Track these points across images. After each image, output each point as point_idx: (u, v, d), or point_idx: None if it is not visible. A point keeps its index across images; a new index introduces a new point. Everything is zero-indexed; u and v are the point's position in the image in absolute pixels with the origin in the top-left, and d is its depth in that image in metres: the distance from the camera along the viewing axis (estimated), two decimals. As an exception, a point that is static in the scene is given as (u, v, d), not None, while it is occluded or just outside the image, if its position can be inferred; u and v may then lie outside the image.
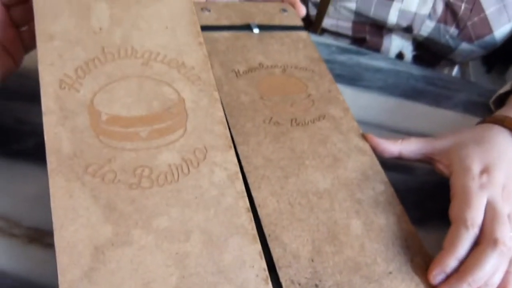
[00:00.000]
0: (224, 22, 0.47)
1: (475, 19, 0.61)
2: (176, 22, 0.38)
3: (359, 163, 0.39)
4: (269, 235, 0.33)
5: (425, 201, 0.43)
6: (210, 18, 0.47)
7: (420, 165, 0.46)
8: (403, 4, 0.63)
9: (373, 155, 0.40)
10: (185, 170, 0.32)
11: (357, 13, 0.66)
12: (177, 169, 0.32)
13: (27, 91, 0.45)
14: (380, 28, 0.68)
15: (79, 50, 0.34)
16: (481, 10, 0.60)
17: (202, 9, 0.47)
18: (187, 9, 0.39)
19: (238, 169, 0.33)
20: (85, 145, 0.31)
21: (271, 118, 0.40)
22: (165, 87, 0.35)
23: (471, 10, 0.60)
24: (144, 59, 0.35)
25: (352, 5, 0.65)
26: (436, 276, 0.32)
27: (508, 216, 0.35)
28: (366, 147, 0.40)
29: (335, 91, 0.44)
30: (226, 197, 0.32)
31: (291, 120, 0.40)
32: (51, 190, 0.29)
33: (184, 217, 0.30)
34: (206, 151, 0.33)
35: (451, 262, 0.32)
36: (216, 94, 0.36)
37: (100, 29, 0.35)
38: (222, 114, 0.35)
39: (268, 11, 0.50)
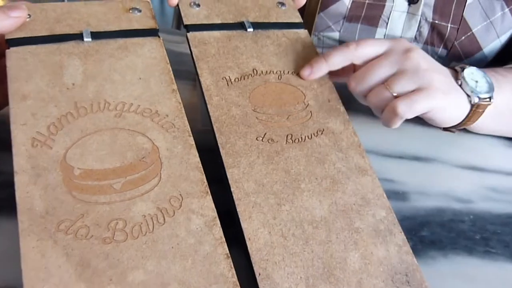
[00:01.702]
0: (215, 19, 0.45)
1: (463, 38, 0.62)
2: (149, 72, 0.39)
3: (359, 185, 0.37)
4: (259, 274, 0.31)
5: (420, 229, 0.42)
6: (200, 15, 0.44)
7: (413, 190, 0.45)
8: (388, 29, 0.64)
9: (374, 175, 0.38)
10: (161, 220, 0.32)
11: (341, 41, 0.67)
12: (152, 219, 0.32)
13: (1, 139, 0.45)
14: None
15: (51, 107, 0.35)
16: (468, 29, 0.61)
17: (190, 4, 0.45)
18: (160, 59, 0.40)
19: (215, 214, 0.33)
20: (57, 201, 0.31)
21: (265, 134, 0.38)
22: (139, 137, 0.35)
23: (457, 30, 0.62)
24: (117, 111, 0.36)
25: (335, 35, 0.66)
26: (304, 70, 0.43)
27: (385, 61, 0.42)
28: (367, 165, 0.38)
29: (335, 100, 0.42)
30: (203, 245, 0.31)
31: (287, 136, 0.38)
32: (22, 251, 0.29)
33: (160, 269, 0.30)
34: (182, 198, 0.33)
35: (319, 59, 0.43)
36: (191, 140, 0.36)
37: (73, 84, 0.37)
38: (198, 159, 0.35)
39: (263, 5, 0.47)
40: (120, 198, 0.32)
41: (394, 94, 0.41)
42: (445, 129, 0.48)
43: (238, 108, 0.39)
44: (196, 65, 0.41)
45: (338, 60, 0.43)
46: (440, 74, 0.43)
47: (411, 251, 0.35)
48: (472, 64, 0.65)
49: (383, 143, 0.50)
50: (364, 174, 0.38)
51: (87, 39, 0.39)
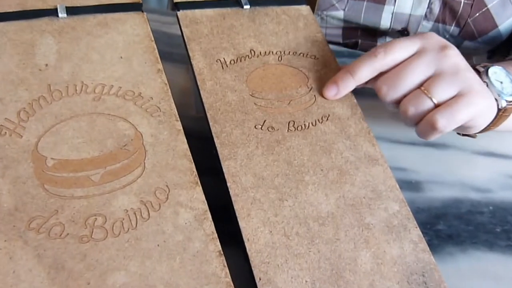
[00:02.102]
0: None
1: (477, 14, 0.57)
2: (131, 50, 0.35)
3: (369, 176, 0.34)
4: (260, 279, 0.29)
5: (436, 222, 0.39)
6: None
7: (428, 179, 0.42)
8: (396, 6, 0.60)
9: (386, 164, 0.35)
10: (145, 215, 0.29)
11: (346, 21, 0.63)
12: (135, 214, 0.29)
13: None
14: (373, 32, 0.64)
15: (22, 90, 0.32)
16: (483, 4, 0.57)
17: None
18: (144, 36, 0.37)
19: (206, 207, 0.30)
20: (28, 196, 0.28)
21: (264, 122, 0.35)
22: (120, 123, 0.32)
23: (471, 6, 0.57)
24: (95, 94, 0.33)
25: (340, 14, 0.62)
26: (329, 90, 0.38)
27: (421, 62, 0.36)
28: (378, 154, 0.35)
29: None
30: (193, 242, 0.28)
31: (288, 123, 0.35)
32: (-13, 253, 0.26)
33: (144, 270, 0.27)
34: (169, 190, 0.30)
35: (344, 74, 0.38)
36: (178, 125, 0.33)
37: (46, 65, 0.33)
38: (186, 146, 0.32)
39: None
40: (99, 191, 0.29)
41: (435, 102, 0.35)
42: (464, 134, 0.44)
43: (234, 93, 0.36)
44: (188, 46, 0.38)
45: (366, 73, 0.37)
46: (475, 74, 0.38)
47: (428, 248, 0.31)
48: (486, 42, 0.61)
49: (393, 129, 0.47)
50: (375, 163, 0.35)
51: (62, 14, 0.36)
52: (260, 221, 0.30)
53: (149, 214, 0.29)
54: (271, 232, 0.30)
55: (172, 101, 0.34)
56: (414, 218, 0.33)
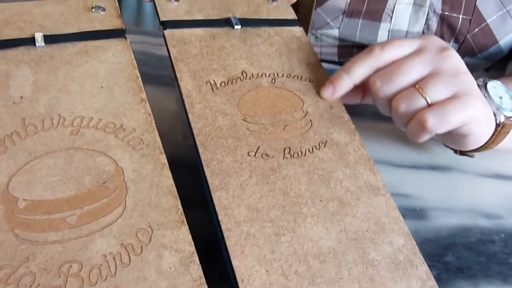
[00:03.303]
0: (197, 15, 0.40)
1: (476, 30, 0.56)
2: (113, 79, 0.34)
3: (371, 207, 0.32)
4: None
5: (444, 254, 0.37)
6: (179, 11, 0.40)
7: (433, 206, 0.40)
8: (393, 23, 0.59)
9: (388, 194, 0.33)
10: (125, 260, 0.26)
11: (341, 39, 0.62)
12: (114, 259, 0.26)
13: None
14: None
15: (-7, 126, 0.30)
16: (482, 19, 0.56)
17: None
18: (127, 63, 0.35)
19: (193, 249, 0.27)
20: (-4, 243, 0.26)
21: (258, 149, 0.33)
22: (100, 158, 0.30)
23: (470, 22, 0.56)
24: (73, 127, 0.31)
25: (334, 32, 0.61)
26: (325, 90, 0.37)
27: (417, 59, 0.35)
28: (379, 183, 0.33)
29: (338, 106, 0.37)
30: (179, 289, 0.26)
31: (284, 150, 0.33)
32: None
33: (124, 323, 0.24)
34: (152, 231, 0.28)
35: (340, 73, 0.37)
36: (162, 158, 0.31)
37: (21, 98, 0.31)
38: (171, 182, 0.30)
39: (252, 0, 0.43)
40: (75, 235, 0.27)
41: (429, 101, 0.34)
42: (462, 153, 0.42)
43: (225, 118, 0.34)
44: (175, 67, 0.36)
45: (361, 70, 0.36)
46: (474, 79, 0.36)
47: (437, 286, 0.29)
48: (486, 58, 0.59)
49: (393, 152, 0.45)
50: (377, 193, 0.33)
51: (40, 43, 0.34)
52: (256, 259, 0.28)
53: (130, 258, 0.26)
54: (267, 271, 0.28)
55: (157, 132, 0.32)
56: (421, 250, 0.30)
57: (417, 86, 0.34)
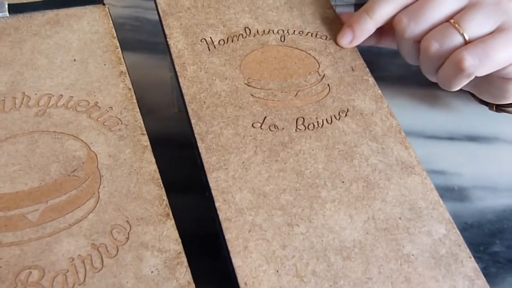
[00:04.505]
0: None
1: None
2: (88, 51, 0.29)
3: (404, 189, 0.27)
4: None
5: (491, 242, 0.32)
6: None
7: (474, 184, 0.35)
8: None
9: (424, 173, 0.28)
10: (97, 264, 0.22)
11: None
12: (83, 263, 0.22)
13: None
14: None
15: None
16: None
17: None
18: (104, 32, 0.30)
19: (180, 247, 0.23)
20: None
21: (265, 119, 0.29)
22: (69, 142, 0.25)
23: None
24: (40, 107, 0.26)
25: None
26: (343, 36, 0.33)
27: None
28: (413, 159, 0.28)
29: (361, 68, 0.32)
30: (163, 298, 0.21)
31: (296, 121, 0.29)
32: None
33: None
34: (130, 227, 0.23)
35: (360, 15, 0.32)
36: (144, 139, 0.26)
37: (-21, 76, 0.27)
38: (154, 167, 0.25)
39: None
40: (37, 235, 0.22)
41: (467, 38, 0.29)
42: (499, 108, 0.37)
43: (224, 82, 0.30)
44: (163, 23, 0.32)
45: (387, 9, 0.31)
46: None
47: (488, 286, 0.23)
48: None
49: (425, 121, 0.39)
50: (410, 172, 0.28)
51: (3, 13, 0.30)
52: (263, 257, 0.23)
53: (102, 262, 0.22)
54: (277, 271, 0.23)
55: (138, 110, 0.27)
56: (463, 238, 0.26)
57: (452, 21, 0.29)
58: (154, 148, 0.27)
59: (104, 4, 0.32)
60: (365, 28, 0.32)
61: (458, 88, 0.31)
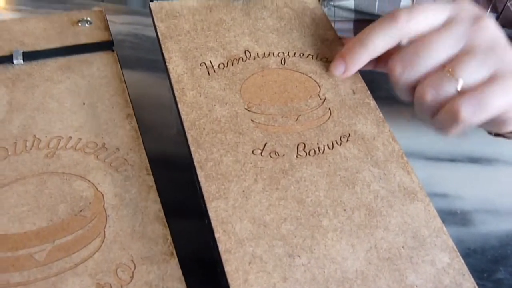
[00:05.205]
0: None
1: None
2: (97, 95, 0.30)
3: (407, 216, 0.27)
4: None
5: (494, 269, 0.32)
6: None
7: (476, 208, 0.35)
8: None
9: (427, 199, 0.28)
10: (102, 303, 0.22)
11: (357, 12, 0.56)
12: (88, 303, 0.22)
13: None
14: None
15: (-41, 152, 0.26)
16: None
17: None
18: (112, 77, 0.31)
19: (183, 285, 0.23)
20: (-51, 287, 0.22)
21: (265, 145, 0.28)
22: (77, 182, 0.26)
23: None
24: (49, 149, 0.27)
25: (350, 3, 0.54)
26: (335, 66, 0.32)
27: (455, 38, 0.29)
28: (416, 185, 0.28)
29: (362, 91, 0.32)
30: (165, 338, 0.21)
31: (297, 147, 0.28)
32: None
33: None
34: (135, 266, 0.23)
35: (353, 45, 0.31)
36: (149, 180, 0.27)
37: (-7, 120, 0.28)
38: (159, 206, 0.26)
39: None
40: (43, 275, 0.23)
41: (461, 86, 0.29)
42: (497, 134, 0.36)
43: (224, 107, 0.29)
44: (163, 46, 0.32)
45: (381, 42, 0.30)
46: None
47: None
48: None
49: (426, 142, 0.39)
50: (413, 198, 0.27)
51: (18, 61, 0.31)
52: None
53: (107, 301, 0.22)
54: None
55: (144, 151, 0.28)
56: (466, 265, 0.25)
57: (447, 67, 0.29)
58: (152, 169, 0.27)
59: (113, 51, 0.33)
60: (358, 59, 0.31)
61: (455, 134, 0.30)
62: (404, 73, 0.30)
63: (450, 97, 0.29)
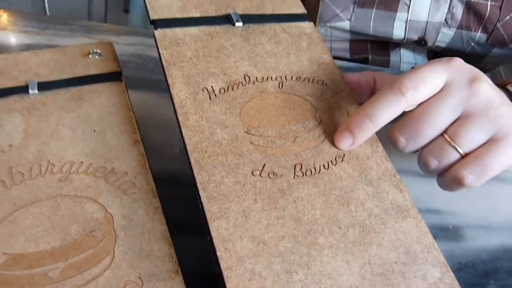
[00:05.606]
0: (193, 12, 0.36)
1: (507, 18, 0.51)
2: (106, 122, 0.32)
3: (399, 233, 0.28)
4: None
5: (485, 283, 0.32)
6: (172, 8, 0.36)
7: (468, 223, 0.35)
8: (410, 13, 0.53)
9: (419, 216, 0.29)
10: (111, 318, 0.23)
11: (353, 32, 0.57)
12: (99, 317, 0.23)
13: None
14: (385, 44, 0.58)
15: (-22, 177, 0.28)
16: None
17: None
18: (121, 105, 0.34)
19: None
20: (-30, 303, 0.23)
21: (264, 166, 0.29)
22: (88, 204, 0.28)
23: (500, 8, 0.51)
24: (62, 173, 0.29)
25: (345, 24, 0.56)
26: (342, 140, 0.31)
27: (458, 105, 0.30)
28: (408, 202, 0.29)
29: None
30: None
31: (294, 167, 0.29)
32: None
33: None
34: (142, 283, 0.25)
35: (361, 120, 0.31)
36: (155, 201, 0.28)
37: (10, 146, 0.30)
38: (164, 227, 0.27)
39: None
40: (57, 291, 0.24)
41: (462, 153, 0.30)
42: None
43: (225, 130, 0.30)
44: (167, 73, 0.32)
45: (388, 116, 0.31)
46: (511, 109, 0.32)
47: None
48: None
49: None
50: (405, 215, 0.28)
51: (33, 91, 0.33)
52: None
53: (116, 316, 0.24)
54: None
55: (150, 174, 0.30)
56: (457, 279, 0.26)
57: (447, 136, 0.30)
58: (157, 188, 0.28)
59: (121, 80, 0.36)
60: (366, 133, 0.31)
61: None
62: (408, 145, 0.31)
63: (452, 163, 0.30)
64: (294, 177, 0.29)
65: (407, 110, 0.31)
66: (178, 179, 0.29)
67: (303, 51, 0.36)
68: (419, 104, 0.31)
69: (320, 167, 0.30)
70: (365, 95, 0.36)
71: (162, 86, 0.34)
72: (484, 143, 0.30)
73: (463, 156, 0.30)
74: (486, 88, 0.31)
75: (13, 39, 0.52)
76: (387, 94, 0.30)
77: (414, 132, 0.30)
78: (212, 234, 0.26)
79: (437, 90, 0.31)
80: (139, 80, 0.45)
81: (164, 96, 0.40)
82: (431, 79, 0.31)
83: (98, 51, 0.37)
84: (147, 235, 0.27)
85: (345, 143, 0.31)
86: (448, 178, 0.30)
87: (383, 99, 0.30)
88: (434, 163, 0.31)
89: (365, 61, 0.60)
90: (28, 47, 0.51)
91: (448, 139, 0.30)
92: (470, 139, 0.30)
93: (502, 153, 0.30)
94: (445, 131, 0.30)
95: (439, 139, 0.30)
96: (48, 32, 0.53)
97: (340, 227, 0.27)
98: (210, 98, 0.32)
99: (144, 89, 0.44)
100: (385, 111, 0.30)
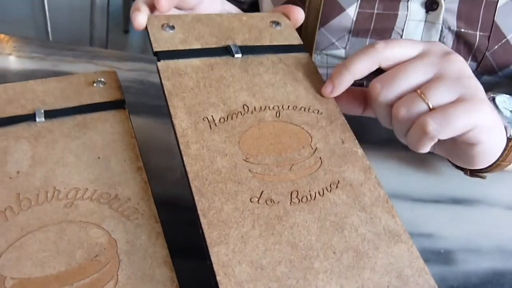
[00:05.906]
0: (194, 44, 0.38)
1: (496, 47, 0.53)
2: (110, 149, 0.34)
3: (391, 258, 0.29)
4: None
5: None
6: (174, 40, 0.37)
7: (459, 247, 0.36)
8: None
9: (410, 241, 0.30)
10: None
11: None
12: None
13: None
14: (380, 72, 0.61)
15: (-13, 203, 0.30)
16: (501, 35, 0.53)
17: (162, 26, 0.38)
18: (124, 133, 0.35)
19: None
20: (-21, 327, 0.24)
21: (262, 193, 0.30)
22: (93, 230, 0.29)
23: (489, 38, 0.53)
24: (68, 199, 0.30)
25: (340, 52, 0.57)
26: (325, 87, 0.36)
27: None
28: (399, 228, 0.30)
29: (350, 140, 0.34)
30: None
31: (291, 194, 0.30)
32: None
33: None
34: (145, 307, 0.26)
35: (339, 69, 0.36)
36: (158, 227, 0.30)
37: (18, 172, 0.32)
38: (166, 251, 0.28)
39: (254, 25, 0.40)
40: (62, 315, 0.25)
41: (430, 106, 0.33)
42: (472, 173, 0.40)
43: (224, 159, 0.31)
44: (169, 103, 0.34)
45: (362, 65, 0.36)
46: (479, 84, 0.35)
47: None
48: (507, 76, 0.55)
49: (412, 184, 0.41)
50: (397, 240, 0.30)
51: (40, 119, 0.35)
52: None
53: None
54: None
55: (153, 200, 0.31)
56: None
57: (419, 91, 0.34)
58: (159, 212, 0.29)
59: (125, 108, 0.37)
60: (343, 80, 0.36)
61: (425, 150, 0.35)
62: (382, 91, 0.35)
63: (419, 114, 0.33)
64: (290, 203, 0.30)
65: (381, 65, 0.36)
66: (179, 203, 0.30)
67: (299, 81, 0.38)
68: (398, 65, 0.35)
69: (315, 194, 0.31)
70: (359, 107, 0.40)
71: (162, 111, 0.35)
72: (452, 102, 0.33)
73: (431, 110, 0.33)
74: (460, 59, 0.35)
75: (18, 65, 0.54)
76: (362, 49, 0.36)
77: (389, 80, 0.35)
78: (212, 259, 0.27)
79: (412, 54, 0.35)
80: (141, 105, 0.47)
81: (165, 121, 0.41)
82: (406, 44, 0.36)
83: (103, 79, 0.39)
84: (149, 259, 0.28)
85: (327, 89, 0.36)
86: (414, 128, 0.33)
87: (359, 52, 0.36)
88: (403, 112, 0.34)
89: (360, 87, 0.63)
90: (33, 73, 0.53)
91: (419, 92, 0.34)
92: (439, 95, 0.33)
93: (467, 112, 0.32)
94: (418, 88, 0.34)
95: (411, 93, 0.34)
96: (52, 58, 0.55)
97: (334, 252, 0.28)
98: (210, 127, 0.33)
99: (146, 114, 0.45)
100: (359, 60, 0.36)
